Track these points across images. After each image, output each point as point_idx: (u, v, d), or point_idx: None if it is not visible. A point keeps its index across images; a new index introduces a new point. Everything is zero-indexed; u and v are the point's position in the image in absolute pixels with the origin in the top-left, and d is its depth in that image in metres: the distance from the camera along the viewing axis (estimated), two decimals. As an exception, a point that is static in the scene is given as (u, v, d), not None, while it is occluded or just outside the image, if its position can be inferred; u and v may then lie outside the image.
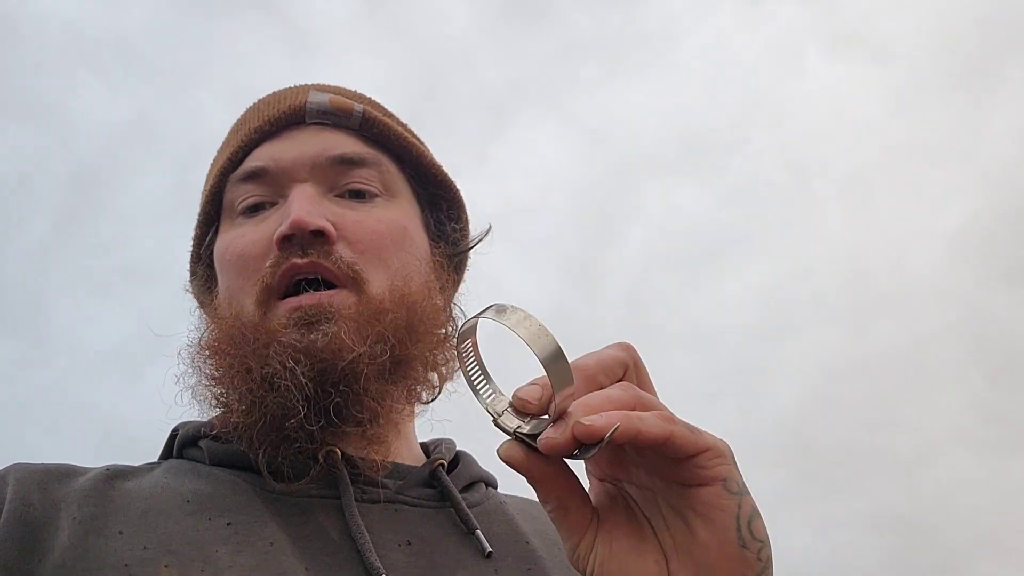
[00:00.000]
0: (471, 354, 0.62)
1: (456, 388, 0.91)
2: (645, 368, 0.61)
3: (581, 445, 0.54)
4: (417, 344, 0.81)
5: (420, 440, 0.94)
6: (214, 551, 0.68)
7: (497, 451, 0.58)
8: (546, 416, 0.56)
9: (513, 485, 0.93)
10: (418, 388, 0.85)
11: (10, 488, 0.72)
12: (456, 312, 0.97)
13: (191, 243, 0.98)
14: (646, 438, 0.53)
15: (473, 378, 0.62)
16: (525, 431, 0.57)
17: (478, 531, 0.78)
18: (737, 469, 0.57)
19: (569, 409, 0.54)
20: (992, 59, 6.81)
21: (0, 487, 0.72)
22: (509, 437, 0.58)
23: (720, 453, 0.56)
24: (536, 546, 0.81)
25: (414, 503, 0.79)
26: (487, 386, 0.61)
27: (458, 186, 0.99)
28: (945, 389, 6.91)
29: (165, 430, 0.87)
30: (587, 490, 0.61)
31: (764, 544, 0.56)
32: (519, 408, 0.57)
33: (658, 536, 0.59)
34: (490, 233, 1.00)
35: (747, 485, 0.58)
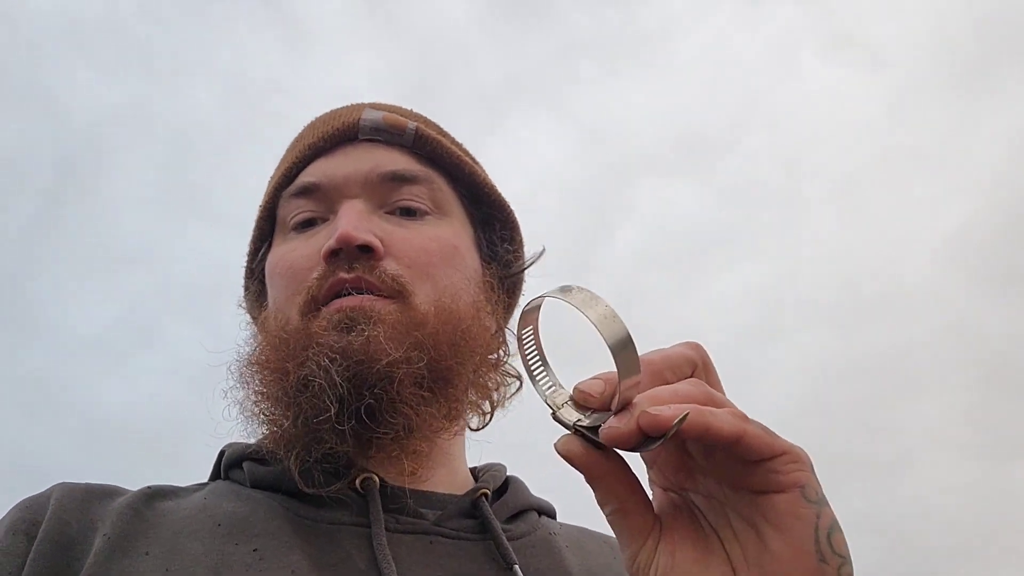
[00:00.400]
0: (532, 340, 0.59)
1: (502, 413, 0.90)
2: (715, 370, 0.58)
3: (645, 437, 0.50)
4: (460, 361, 0.79)
5: (471, 466, 0.92)
6: None
7: (555, 445, 0.55)
8: (608, 412, 0.53)
9: (575, 514, 0.92)
10: (460, 407, 0.82)
11: (50, 507, 0.72)
12: (509, 336, 0.95)
13: (245, 258, 0.98)
14: (717, 434, 0.50)
15: (532, 366, 0.59)
16: (585, 424, 0.54)
17: (516, 567, 0.75)
18: (816, 477, 0.53)
19: (635, 400, 0.51)
20: (990, 62, 6.81)
21: (42, 507, 0.73)
22: (568, 432, 0.55)
23: (798, 458, 0.52)
24: None
25: (452, 535, 0.77)
26: (546, 377, 0.59)
27: (512, 206, 0.98)
28: (935, 393, 6.92)
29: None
30: (650, 498, 0.59)
31: (845, 560, 0.52)
32: (580, 401, 0.55)
33: (726, 548, 0.55)
34: (543, 255, 0.99)
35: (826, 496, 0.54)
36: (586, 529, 0.92)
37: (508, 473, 0.91)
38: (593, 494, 0.56)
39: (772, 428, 0.53)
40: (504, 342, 0.93)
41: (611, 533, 0.88)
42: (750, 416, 0.53)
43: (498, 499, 0.85)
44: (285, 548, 0.70)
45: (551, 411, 0.56)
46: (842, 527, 0.53)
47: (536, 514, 0.87)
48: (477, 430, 0.90)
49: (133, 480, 0.81)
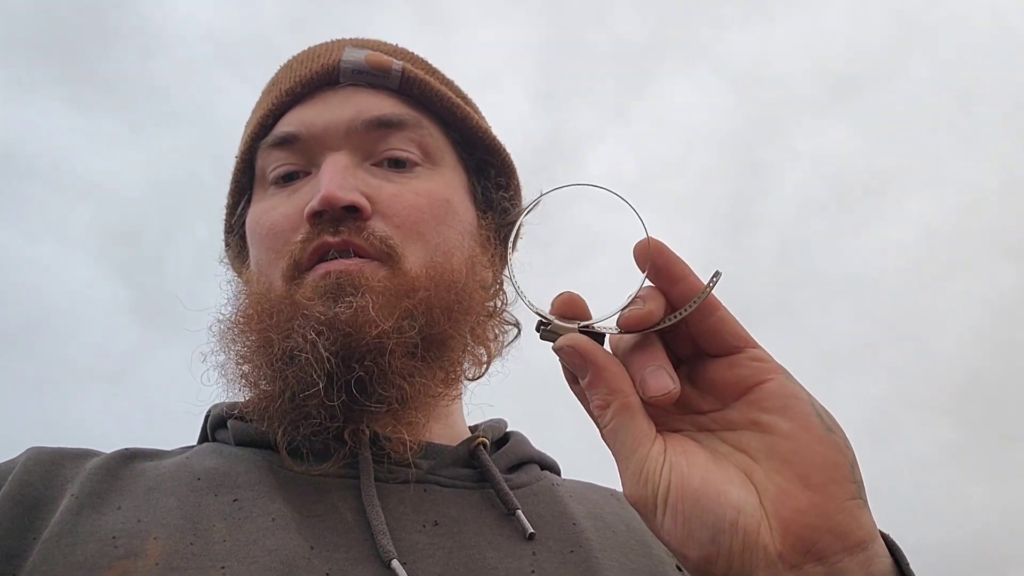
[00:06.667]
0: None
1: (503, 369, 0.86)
2: None
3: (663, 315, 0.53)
4: (455, 324, 0.76)
5: (471, 424, 0.88)
6: (211, 525, 0.65)
7: (557, 343, 0.54)
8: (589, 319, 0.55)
9: (583, 471, 0.89)
10: (458, 369, 0.80)
11: (16, 470, 0.70)
12: (507, 287, 0.90)
13: (224, 212, 0.94)
14: (714, 303, 0.53)
15: (517, 283, 0.60)
16: (586, 323, 0.54)
17: (519, 511, 0.72)
18: None
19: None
20: None
21: (7, 470, 0.71)
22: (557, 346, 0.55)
23: (765, 350, 0.54)
24: (584, 528, 0.74)
25: (448, 483, 0.74)
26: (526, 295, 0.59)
27: (508, 150, 0.92)
28: None
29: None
30: None
31: (845, 435, 0.52)
32: (566, 313, 0.55)
33: (728, 460, 0.54)
34: (541, 201, 0.89)
35: None
36: (590, 483, 0.87)
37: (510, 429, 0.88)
38: (591, 404, 0.55)
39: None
40: (501, 290, 0.88)
41: (614, 486, 0.84)
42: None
43: (498, 451, 0.82)
44: (266, 498, 0.68)
45: (544, 322, 0.55)
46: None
47: (538, 467, 0.83)
48: (474, 379, 0.86)
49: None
